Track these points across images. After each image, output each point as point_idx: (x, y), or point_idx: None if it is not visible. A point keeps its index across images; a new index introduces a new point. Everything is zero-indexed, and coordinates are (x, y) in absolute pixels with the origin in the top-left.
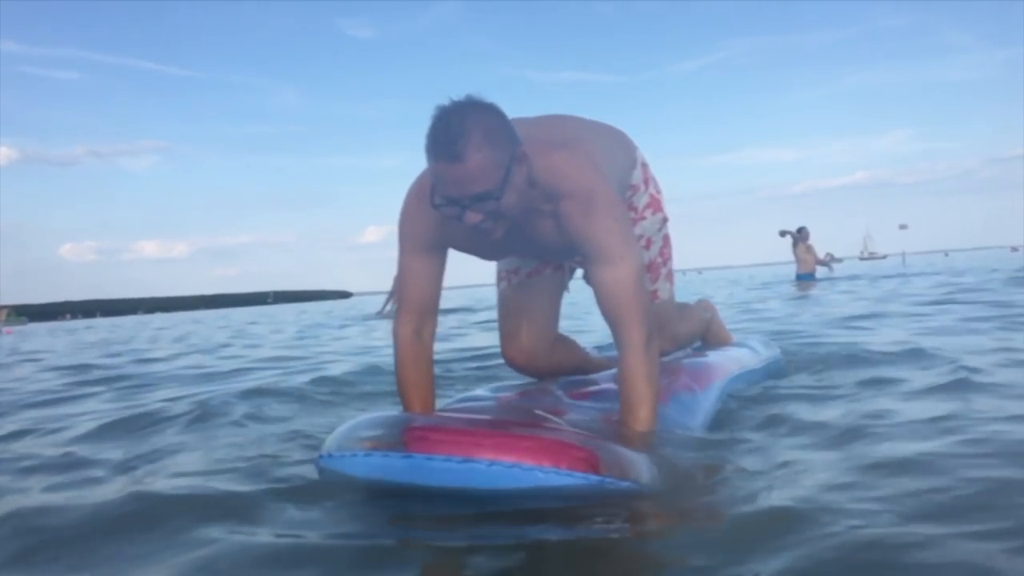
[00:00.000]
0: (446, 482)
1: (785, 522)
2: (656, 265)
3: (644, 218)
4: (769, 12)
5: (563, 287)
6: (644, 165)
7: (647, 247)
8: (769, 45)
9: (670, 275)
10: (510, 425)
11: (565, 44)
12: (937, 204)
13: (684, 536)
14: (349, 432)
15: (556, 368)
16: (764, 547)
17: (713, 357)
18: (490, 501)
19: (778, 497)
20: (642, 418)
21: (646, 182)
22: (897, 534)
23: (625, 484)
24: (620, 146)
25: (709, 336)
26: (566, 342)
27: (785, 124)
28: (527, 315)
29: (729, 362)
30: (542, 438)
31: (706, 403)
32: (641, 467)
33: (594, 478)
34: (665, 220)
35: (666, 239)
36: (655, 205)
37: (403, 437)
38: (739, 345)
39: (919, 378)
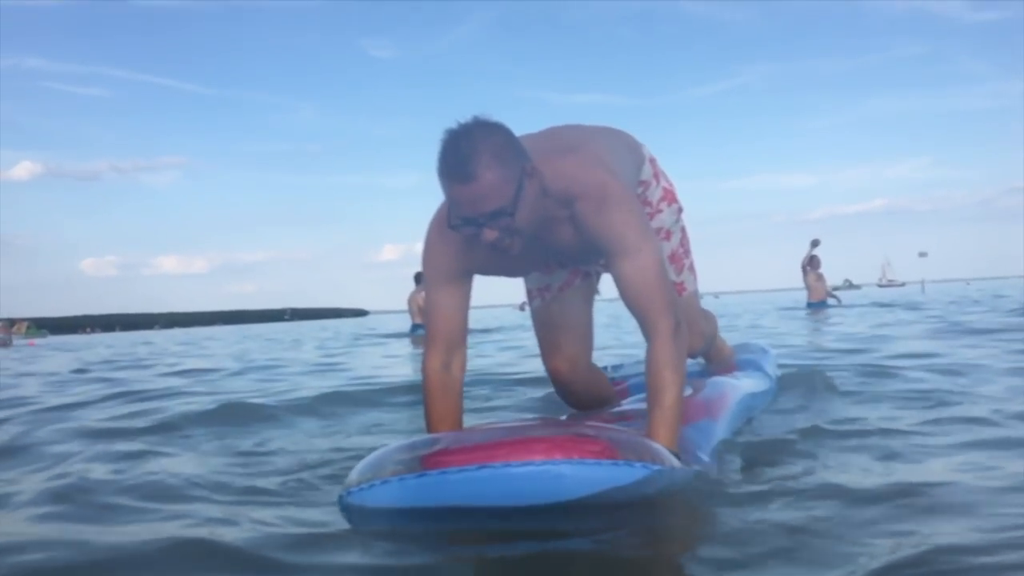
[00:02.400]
0: (465, 493)
1: (797, 529)
2: (679, 256)
3: (660, 211)
4: (787, 38)
5: (593, 295)
6: (652, 160)
7: (667, 239)
8: (786, 71)
9: (692, 268)
10: (524, 431)
11: (584, 66)
12: (956, 232)
13: (704, 540)
14: (367, 465)
15: (594, 387)
16: (777, 550)
17: (725, 378)
18: (515, 512)
19: (791, 501)
20: (667, 404)
21: (656, 176)
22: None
23: (641, 466)
24: (625, 145)
25: (712, 349)
26: (598, 369)
27: (802, 149)
28: (565, 326)
29: (742, 383)
30: (555, 437)
31: (724, 427)
32: (661, 453)
33: (607, 462)
34: (680, 210)
35: (684, 231)
36: (669, 197)
37: (417, 459)
38: (745, 364)
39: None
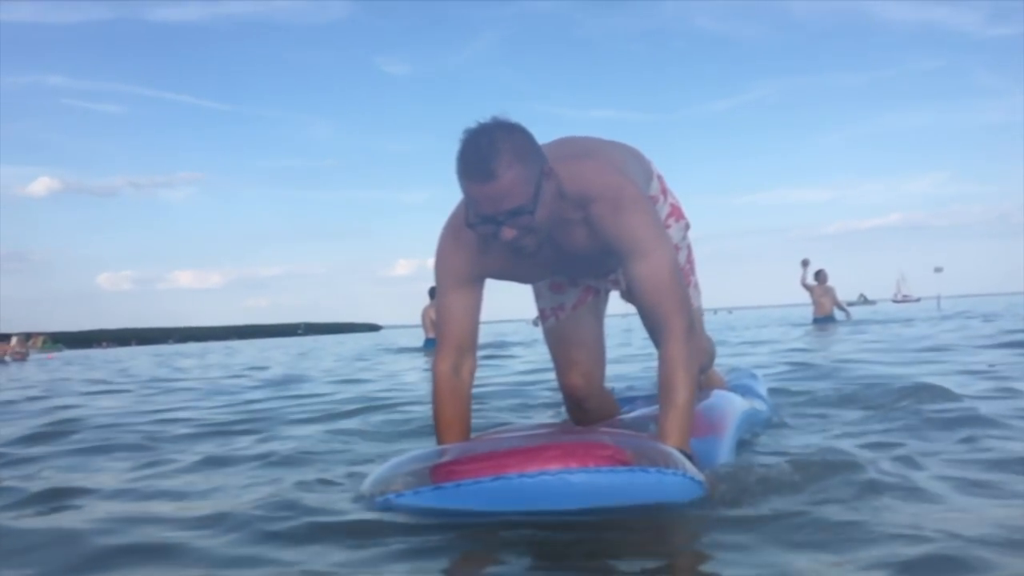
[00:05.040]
0: (479, 504)
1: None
2: (685, 272)
3: (669, 226)
4: (800, 53)
5: (604, 313)
6: (659, 177)
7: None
8: (801, 85)
9: (697, 285)
10: (535, 439)
11: (598, 82)
12: (972, 247)
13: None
14: (381, 476)
15: (604, 405)
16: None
17: (728, 397)
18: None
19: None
20: (680, 404)
21: (664, 193)
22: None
23: (655, 471)
24: (635, 159)
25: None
26: (607, 390)
27: (818, 164)
28: (580, 342)
29: (742, 403)
30: (566, 444)
31: (729, 443)
32: (674, 456)
33: (623, 470)
34: (688, 227)
35: (690, 248)
36: (677, 213)
37: (431, 471)
38: (737, 389)
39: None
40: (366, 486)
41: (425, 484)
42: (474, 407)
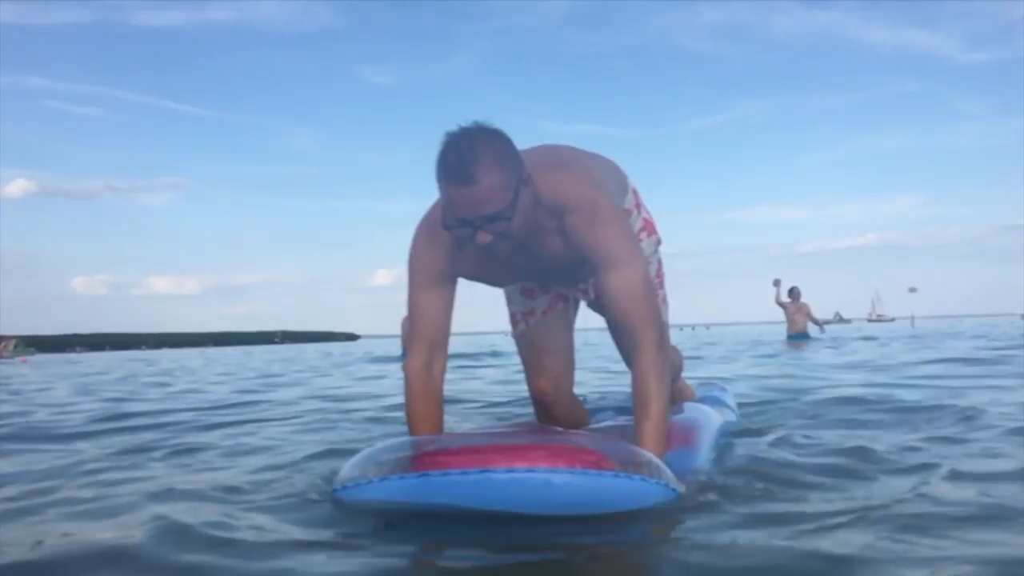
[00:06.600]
0: (465, 497)
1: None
2: (654, 287)
3: (640, 240)
4: (783, 74)
5: (574, 319)
6: (635, 191)
7: None
8: (782, 105)
9: (665, 300)
10: (518, 437)
11: (582, 97)
12: (947, 269)
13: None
14: (361, 461)
15: (573, 411)
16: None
17: (700, 409)
18: (510, 519)
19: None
20: (654, 415)
21: (638, 207)
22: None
23: (640, 479)
24: (612, 171)
25: (675, 386)
26: (576, 397)
27: (796, 183)
28: (549, 348)
29: (716, 415)
30: (552, 445)
31: (703, 454)
32: (655, 464)
33: (610, 474)
34: (659, 242)
35: (660, 263)
36: (649, 228)
37: (416, 458)
38: (707, 401)
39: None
40: (343, 472)
41: (409, 471)
42: (446, 413)
